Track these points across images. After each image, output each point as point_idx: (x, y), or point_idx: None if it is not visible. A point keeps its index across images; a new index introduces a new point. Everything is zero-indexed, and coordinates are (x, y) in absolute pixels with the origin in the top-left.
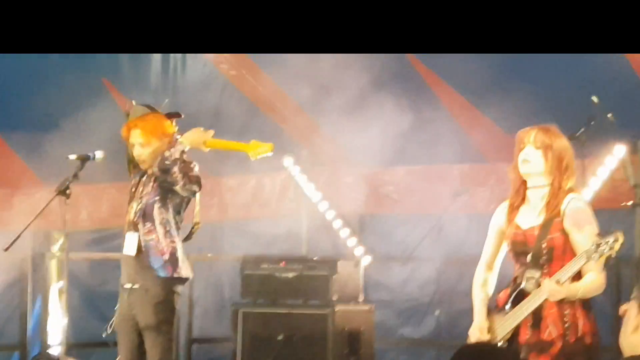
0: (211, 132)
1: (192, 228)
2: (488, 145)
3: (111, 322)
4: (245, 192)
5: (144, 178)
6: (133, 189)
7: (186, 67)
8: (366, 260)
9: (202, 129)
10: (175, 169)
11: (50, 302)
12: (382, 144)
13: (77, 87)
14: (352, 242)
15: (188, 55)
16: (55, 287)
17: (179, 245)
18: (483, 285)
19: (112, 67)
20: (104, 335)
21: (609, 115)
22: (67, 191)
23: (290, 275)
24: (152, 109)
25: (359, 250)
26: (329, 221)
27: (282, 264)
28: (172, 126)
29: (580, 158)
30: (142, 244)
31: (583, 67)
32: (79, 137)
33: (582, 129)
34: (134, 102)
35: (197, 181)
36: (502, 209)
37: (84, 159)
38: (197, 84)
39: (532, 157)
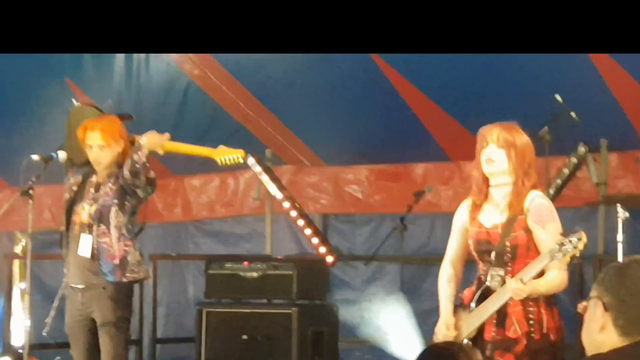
0: (167, 135)
1: (141, 228)
2: (451, 143)
3: (48, 320)
4: (209, 192)
5: (93, 178)
6: (75, 188)
7: (149, 67)
8: (330, 259)
9: (156, 132)
10: (142, 172)
11: (13, 303)
12: (346, 143)
13: (40, 87)
14: (315, 241)
15: (151, 55)
16: (18, 288)
17: (134, 247)
18: (448, 281)
19: (75, 67)
20: (44, 334)
21: (572, 113)
22: (31, 192)
23: (255, 274)
24: (99, 110)
25: (322, 250)
26: (293, 220)
27: (245, 264)
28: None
29: (543, 156)
30: (95, 246)
31: (546, 66)
32: (42, 137)
33: (545, 127)
34: (74, 102)
35: (155, 183)
36: (465, 207)
37: (47, 160)
38: (161, 84)
39: (496, 157)
